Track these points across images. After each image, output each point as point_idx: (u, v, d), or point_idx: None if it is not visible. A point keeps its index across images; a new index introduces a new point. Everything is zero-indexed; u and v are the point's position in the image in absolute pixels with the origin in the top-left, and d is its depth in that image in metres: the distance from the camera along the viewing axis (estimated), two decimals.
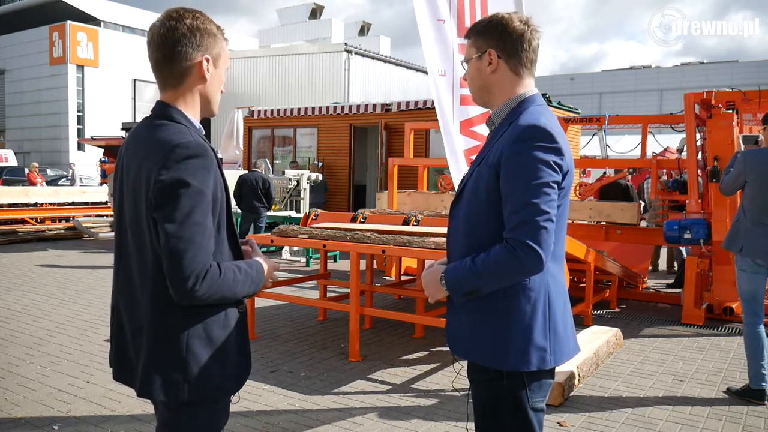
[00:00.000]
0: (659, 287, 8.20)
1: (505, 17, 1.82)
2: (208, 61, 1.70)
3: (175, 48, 1.66)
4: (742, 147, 4.49)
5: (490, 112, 1.91)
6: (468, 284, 1.74)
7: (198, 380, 1.65)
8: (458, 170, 4.21)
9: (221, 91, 1.80)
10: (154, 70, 1.72)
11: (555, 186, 1.67)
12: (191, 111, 1.73)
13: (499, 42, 1.81)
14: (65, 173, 26.45)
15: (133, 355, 1.70)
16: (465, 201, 1.83)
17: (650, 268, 9.40)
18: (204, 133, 1.74)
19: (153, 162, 1.59)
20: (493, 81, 1.84)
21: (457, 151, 4.27)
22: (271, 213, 10.42)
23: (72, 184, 19.37)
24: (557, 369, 1.85)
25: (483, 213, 1.76)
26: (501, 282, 1.71)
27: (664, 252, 9.86)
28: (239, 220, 9.53)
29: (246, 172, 10.19)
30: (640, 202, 8.39)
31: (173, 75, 1.69)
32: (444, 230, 1.98)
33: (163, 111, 1.70)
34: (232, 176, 9.81)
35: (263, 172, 9.39)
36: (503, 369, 1.74)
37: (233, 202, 9.43)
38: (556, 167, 1.67)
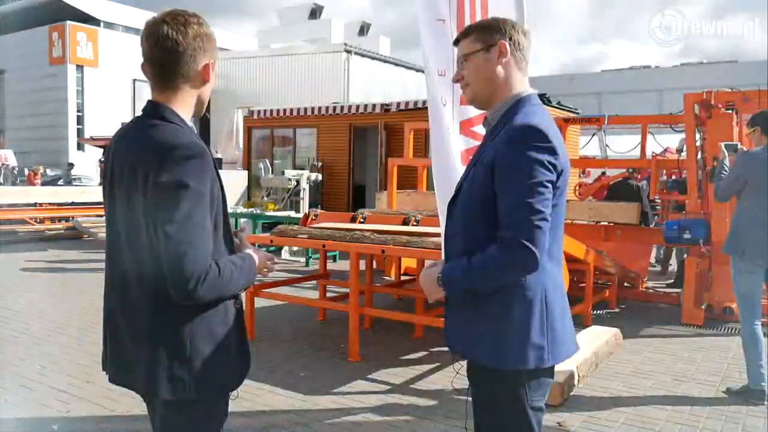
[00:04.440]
0: (659, 287, 8.21)
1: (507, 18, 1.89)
2: (211, 66, 1.72)
3: (185, 54, 1.65)
4: (726, 154, 4.55)
5: (486, 113, 1.91)
6: (464, 283, 1.76)
7: (203, 377, 1.66)
8: (446, 170, 4.11)
9: None
10: (154, 71, 1.69)
11: (549, 185, 1.68)
12: (185, 111, 1.72)
13: (511, 36, 1.83)
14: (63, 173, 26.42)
15: (133, 356, 1.69)
16: (461, 201, 1.84)
17: (661, 271, 9.39)
18: (196, 131, 1.74)
19: (150, 163, 1.57)
20: (500, 73, 1.83)
21: (451, 151, 4.22)
22: (270, 213, 10.43)
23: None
24: (557, 368, 1.86)
25: (478, 213, 1.76)
26: (496, 281, 1.72)
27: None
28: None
29: None
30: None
31: (176, 79, 1.68)
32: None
33: (155, 111, 1.69)
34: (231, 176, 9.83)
35: None
36: (502, 368, 1.74)
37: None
38: (550, 167, 1.67)
